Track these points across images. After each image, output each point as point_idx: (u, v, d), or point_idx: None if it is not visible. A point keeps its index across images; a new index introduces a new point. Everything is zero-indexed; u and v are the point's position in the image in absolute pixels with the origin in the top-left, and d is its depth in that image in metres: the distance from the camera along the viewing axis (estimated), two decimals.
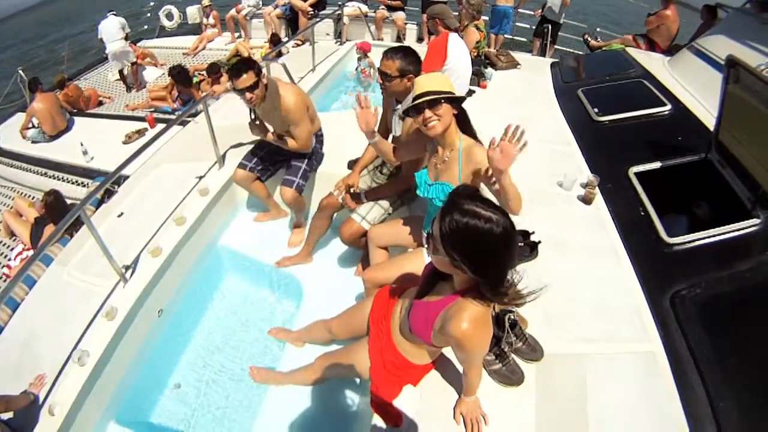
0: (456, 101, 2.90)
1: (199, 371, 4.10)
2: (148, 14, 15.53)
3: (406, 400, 2.82)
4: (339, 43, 9.57)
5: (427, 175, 3.20)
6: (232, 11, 12.59)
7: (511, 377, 2.91)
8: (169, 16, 14.35)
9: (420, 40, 11.21)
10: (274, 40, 10.52)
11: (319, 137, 4.93)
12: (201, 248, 4.66)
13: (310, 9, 11.17)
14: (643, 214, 4.10)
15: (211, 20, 13.17)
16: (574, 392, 2.91)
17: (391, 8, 11.12)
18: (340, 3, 10.55)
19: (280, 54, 9.18)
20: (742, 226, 3.67)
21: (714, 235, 3.68)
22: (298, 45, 10.38)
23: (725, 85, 4.00)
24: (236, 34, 12.89)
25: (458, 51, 5.42)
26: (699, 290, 3.34)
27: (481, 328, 2.19)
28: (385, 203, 4.15)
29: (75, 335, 3.46)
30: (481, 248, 1.94)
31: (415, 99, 2.84)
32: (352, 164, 4.58)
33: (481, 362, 2.54)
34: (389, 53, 3.66)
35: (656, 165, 4.53)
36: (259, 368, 3.85)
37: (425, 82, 2.85)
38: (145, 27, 14.62)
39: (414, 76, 3.65)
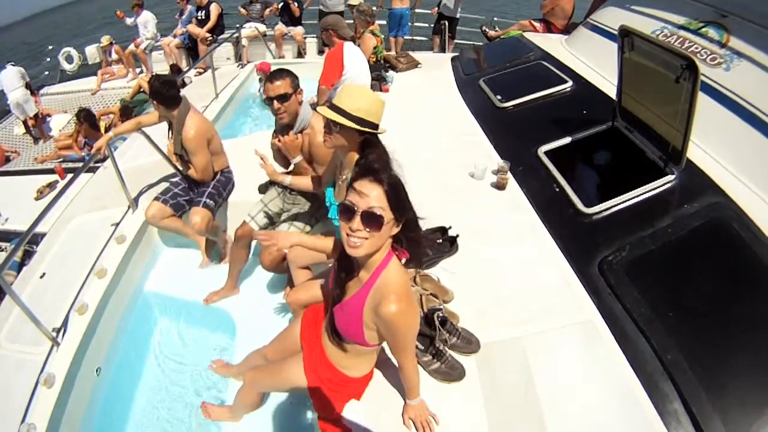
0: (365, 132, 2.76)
1: (150, 421, 3.88)
2: (48, 59, 14.67)
3: (353, 415, 2.69)
4: (240, 66, 9.42)
5: (333, 194, 3.12)
6: (131, 46, 12.17)
7: (452, 373, 2.83)
8: (69, 59, 13.61)
9: (321, 52, 11.09)
10: (174, 71, 10.31)
11: (225, 173, 4.80)
12: (127, 298, 4.42)
13: (208, 35, 10.93)
14: (558, 190, 4.12)
15: (114, 56, 12.66)
16: (518, 375, 2.85)
17: (289, 23, 11.01)
18: (237, 26, 10.46)
19: (183, 84, 8.98)
20: (658, 185, 3.76)
21: (631, 198, 3.75)
22: (200, 73, 10.16)
23: (621, 54, 4.11)
24: (138, 70, 12.47)
25: (355, 60, 5.40)
26: (624, 253, 3.40)
27: (409, 303, 2.22)
28: (299, 223, 4.06)
29: (19, 409, 3.22)
30: (403, 190, 2.17)
31: (331, 105, 2.73)
32: (263, 188, 4.44)
33: (414, 352, 2.49)
34: (275, 76, 3.54)
35: (565, 141, 4.58)
36: (210, 405, 3.66)
37: (348, 97, 2.72)
38: (46, 73, 13.92)
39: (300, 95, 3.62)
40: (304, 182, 3.65)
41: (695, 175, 3.78)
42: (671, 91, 3.57)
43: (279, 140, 3.65)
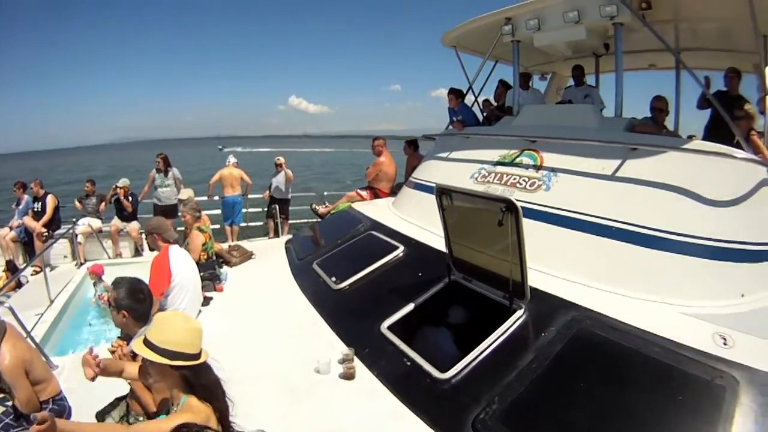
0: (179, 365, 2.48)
1: None
2: None
3: None
4: (77, 266, 8.81)
5: None
6: None
7: None
8: None
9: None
10: (11, 268, 9.53)
11: (57, 401, 4.14)
12: None
13: (44, 230, 10.05)
14: (409, 364, 3.88)
15: None
16: None
17: (124, 219, 10.50)
18: (74, 220, 9.90)
19: (19, 284, 8.23)
20: (509, 324, 3.71)
21: (486, 348, 3.62)
22: (36, 272, 9.08)
23: (442, 210, 4.21)
24: None
25: (182, 263, 5.19)
26: (495, 405, 3.23)
27: None
28: None
29: None
30: None
31: (144, 338, 2.49)
32: (100, 416, 4.01)
33: None
34: (115, 281, 3.39)
35: (407, 309, 4.44)
36: None
37: (156, 328, 2.50)
38: None
39: (129, 313, 3.36)
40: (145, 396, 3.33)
41: (543, 300, 3.83)
42: (498, 233, 3.63)
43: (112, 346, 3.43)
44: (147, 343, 2.45)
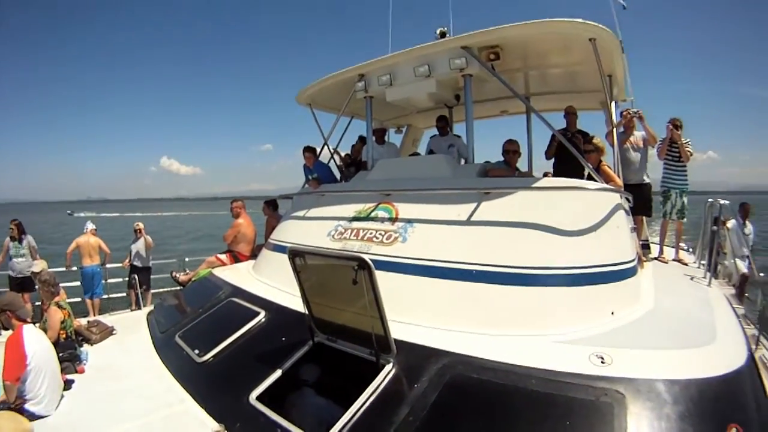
0: None
1: None
2: None
3: None
4: None
5: None
6: None
7: None
8: None
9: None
10: None
11: None
12: None
13: None
14: None
15: None
16: None
17: None
18: None
19: None
20: (380, 381, 3.64)
21: (360, 407, 3.50)
22: None
23: (297, 273, 4.12)
24: None
25: (37, 344, 4.76)
26: None
27: None
28: None
29: None
30: None
31: None
32: None
33: None
34: None
35: (274, 376, 4.23)
36: None
37: None
38: None
39: None
40: None
41: (411, 352, 3.80)
42: (355, 291, 3.60)
43: None
44: None
